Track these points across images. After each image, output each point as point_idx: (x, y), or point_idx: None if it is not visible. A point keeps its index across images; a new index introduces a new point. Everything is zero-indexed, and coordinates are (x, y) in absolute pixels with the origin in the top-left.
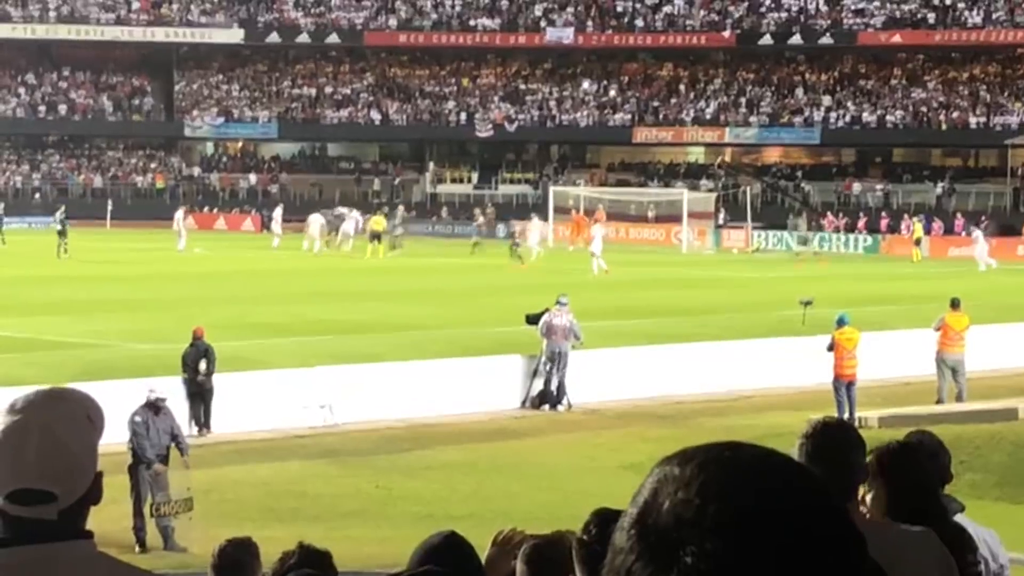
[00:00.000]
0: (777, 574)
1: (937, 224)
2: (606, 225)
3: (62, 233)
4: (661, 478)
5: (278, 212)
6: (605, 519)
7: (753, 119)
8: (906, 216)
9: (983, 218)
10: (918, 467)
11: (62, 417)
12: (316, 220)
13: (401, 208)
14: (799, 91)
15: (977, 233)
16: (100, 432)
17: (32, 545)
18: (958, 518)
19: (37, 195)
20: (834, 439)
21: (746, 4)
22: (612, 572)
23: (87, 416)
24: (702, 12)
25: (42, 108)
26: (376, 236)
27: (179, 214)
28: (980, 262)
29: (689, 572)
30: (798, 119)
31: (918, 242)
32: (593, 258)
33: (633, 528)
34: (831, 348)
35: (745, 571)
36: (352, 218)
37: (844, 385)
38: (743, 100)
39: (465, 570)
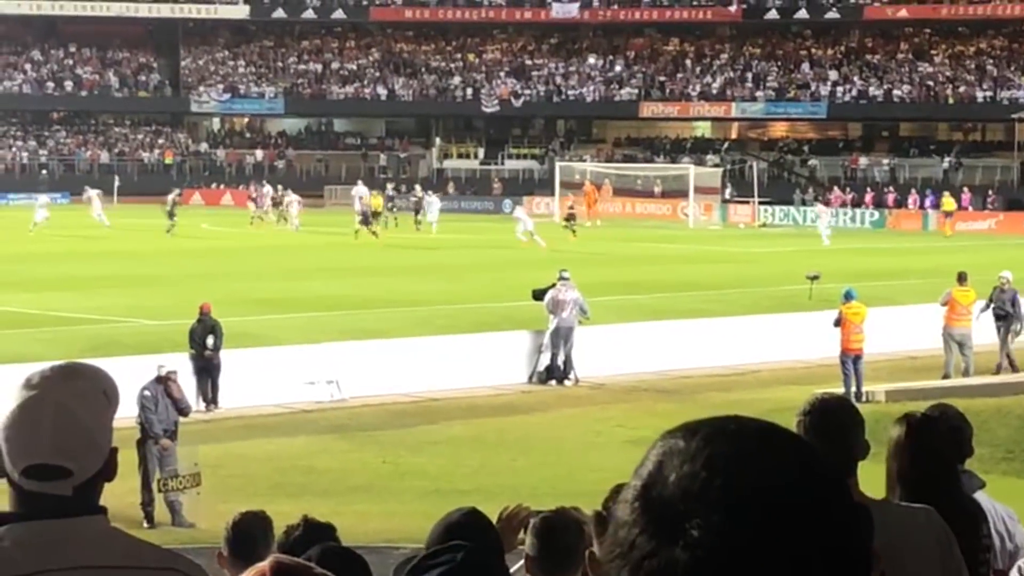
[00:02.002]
0: (783, 548)
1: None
2: (612, 200)
3: (171, 215)
4: (665, 451)
5: (268, 189)
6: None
7: (759, 94)
8: (912, 191)
9: (990, 192)
10: (936, 439)
11: (77, 393)
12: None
13: (390, 186)
14: (805, 66)
15: None
16: (115, 408)
17: (47, 520)
18: (978, 495)
19: (44, 171)
20: (833, 415)
21: None
22: (615, 545)
23: (102, 392)
24: None
25: (49, 84)
26: (375, 214)
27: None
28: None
29: (695, 545)
30: (804, 94)
31: (949, 214)
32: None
33: (637, 501)
34: (838, 323)
35: (751, 545)
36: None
37: (851, 359)
38: (749, 75)
39: (485, 547)
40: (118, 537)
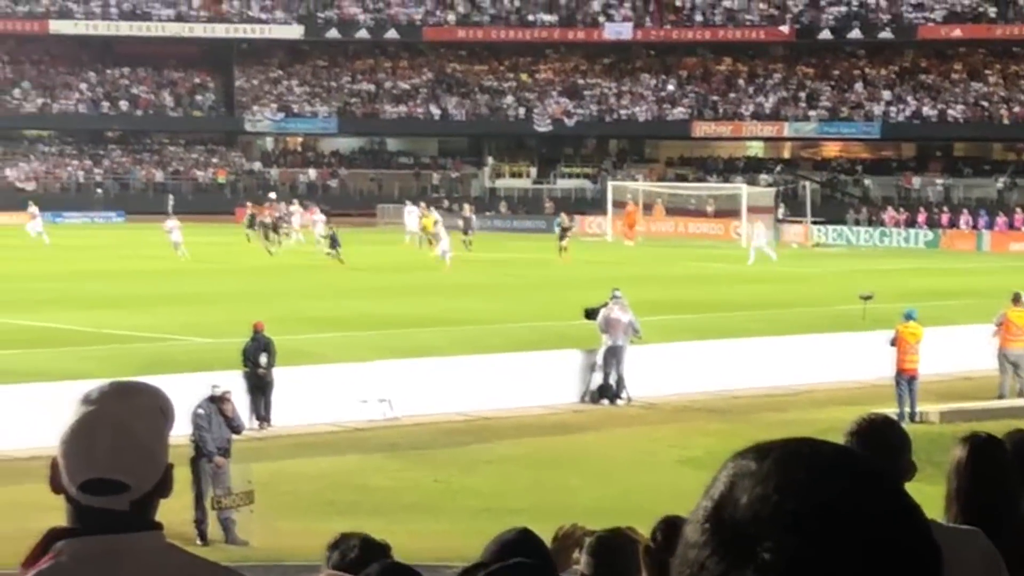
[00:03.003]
0: (855, 573)
1: (1001, 219)
2: (664, 220)
3: (334, 241)
4: (737, 472)
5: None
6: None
7: (812, 113)
8: (965, 211)
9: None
10: (1000, 462)
11: (135, 409)
12: (412, 212)
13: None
14: (859, 85)
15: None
16: (171, 425)
17: (104, 535)
18: None
19: (99, 190)
20: (880, 435)
21: None
22: (684, 566)
23: (159, 408)
24: (761, 6)
25: (104, 104)
26: (431, 235)
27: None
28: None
29: (766, 569)
30: (858, 113)
31: None
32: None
33: (707, 522)
34: (894, 342)
35: (823, 569)
36: (414, 213)
37: (906, 380)
38: (802, 95)
39: (539, 566)
40: (175, 553)
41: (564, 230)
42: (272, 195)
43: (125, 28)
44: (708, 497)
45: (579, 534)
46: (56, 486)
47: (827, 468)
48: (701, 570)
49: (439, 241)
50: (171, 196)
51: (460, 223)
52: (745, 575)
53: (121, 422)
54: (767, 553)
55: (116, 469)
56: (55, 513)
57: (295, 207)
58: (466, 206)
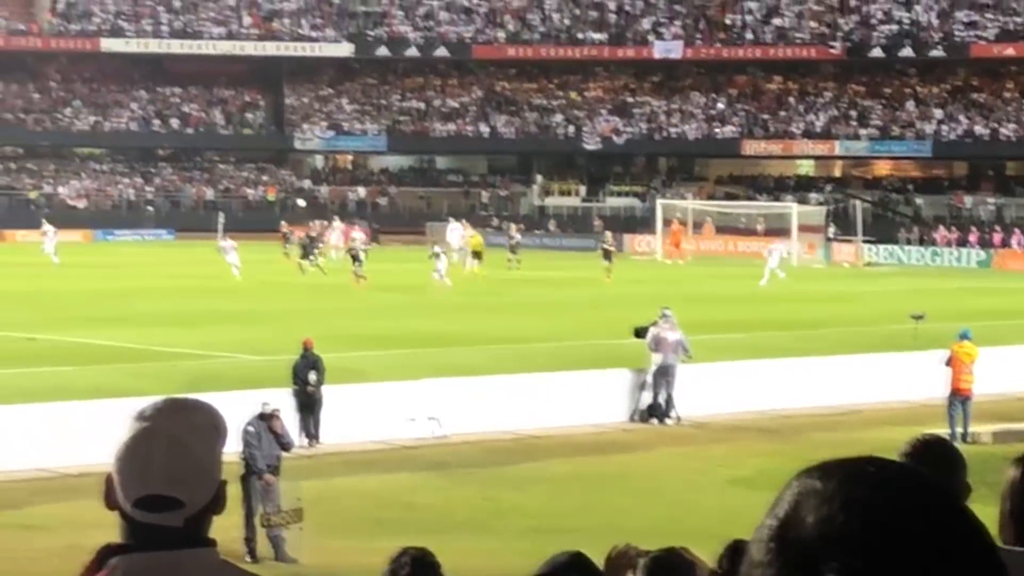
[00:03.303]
0: None
1: None
2: (714, 238)
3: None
4: (802, 491)
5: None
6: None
7: (863, 132)
8: (1016, 231)
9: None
10: None
11: (190, 425)
12: (455, 230)
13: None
14: (910, 104)
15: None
16: (224, 441)
17: (158, 552)
18: None
19: (150, 208)
20: (936, 456)
21: (856, 17)
22: None
23: (213, 425)
24: (812, 24)
25: (155, 122)
26: (476, 254)
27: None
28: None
29: None
30: (909, 132)
31: None
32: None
33: (772, 541)
34: (949, 363)
35: None
36: (457, 229)
37: (960, 400)
38: (853, 113)
39: None
40: (228, 569)
41: (607, 251)
42: (300, 201)
43: (176, 46)
44: (773, 516)
45: (632, 554)
46: (111, 502)
47: (894, 488)
48: None
49: (467, 258)
50: (221, 214)
51: (506, 242)
52: None
53: (176, 438)
54: (833, 573)
55: (171, 485)
56: (108, 530)
57: (336, 223)
58: (512, 225)
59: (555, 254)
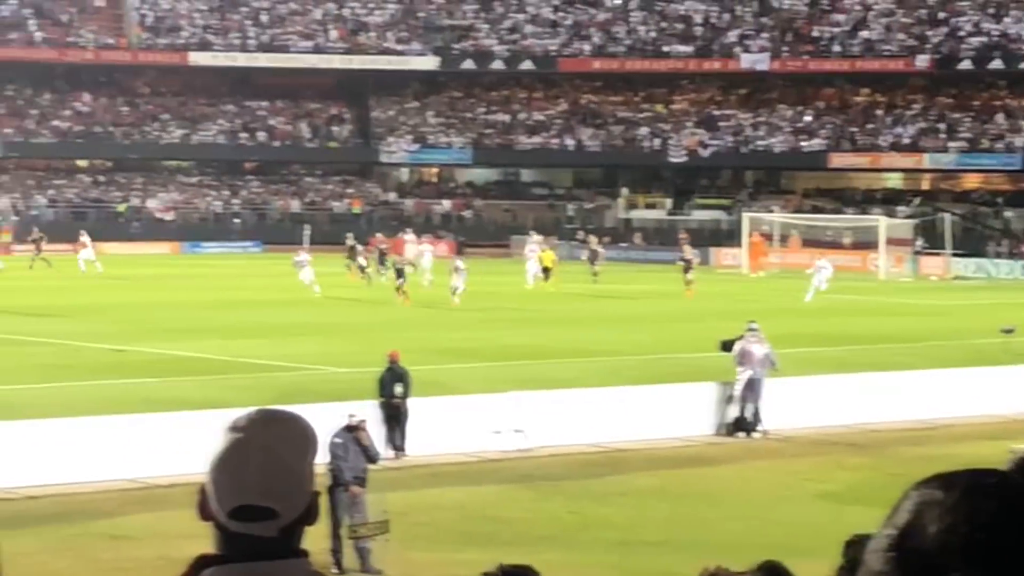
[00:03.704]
0: None
1: None
2: (800, 251)
3: (400, 273)
4: (923, 501)
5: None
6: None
7: (952, 145)
8: None
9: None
10: None
11: (282, 436)
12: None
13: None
14: (999, 116)
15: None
16: (315, 453)
17: (252, 563)
18: None
19: (237, 220)
20: None
21: (945, 29)
22: None
23: (305, 436)
24: (900, 36)
25: (242, 135)
26: (545, 270)
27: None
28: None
29: None
30: (999, 145)
31: None
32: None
33: (892, 551)
34: None
35: None
36: (534, 243)
37: None
38: (942, 126)
39: None
40: None
41: (687, 263)
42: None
43: (263, 60)
44: (892, 526)
45: (724, 575)
46: (204, 513)
47: (1014, 499)
48: None
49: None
50: (307, 226)
51: (586, 255)
52: None
53: (270, 449)
54: None
55: (266, 496)
56: (196, 540)
57: (410, 236)
58: (592, 238)
59: (640, 267)
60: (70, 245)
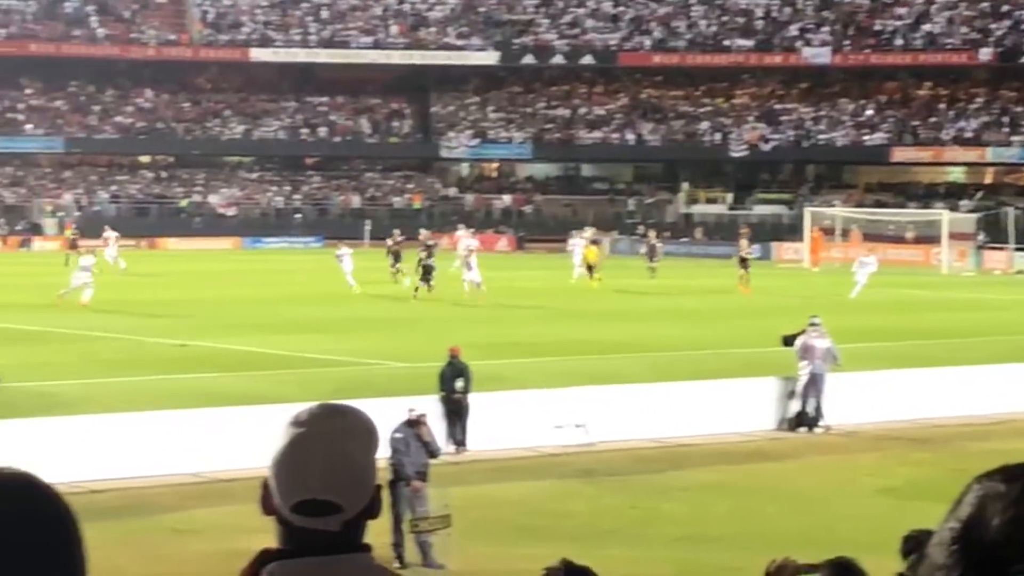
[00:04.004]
0: None
1: None
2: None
3: (427, 271)
4: (986, 494)
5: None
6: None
7: (1015, 138)
8: None
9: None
10: None
11: (345, 430)
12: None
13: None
14: None
15: None
16: (377, 447)
17: (316, 557)
18: None
19: (298, 215)
20: None
21: (1008, 21)
22: None
23: (368, 430)
24: (963, 30)
25: (303, 130)
26: (590, 267)
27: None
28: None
29: None
30: None
31: None
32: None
33: (956, 543)
34: None
35: None
36: (578, 238)
37: None
38: (1005, 119)
39: None
40: (384, 575)
41: (743, 259)
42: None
43: (324, 55)
44: (955, 519)
45: (791, 568)
46: (268, 507)
47: None
48: None
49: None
50: (368, 221)
51: (644, 249)
52: None
53: (334, 443)
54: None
55: (329, 490)
56: (258, 534)
57: (462, 231)
58: (650, 232)
59: (701, 262)
60: (133, 241)
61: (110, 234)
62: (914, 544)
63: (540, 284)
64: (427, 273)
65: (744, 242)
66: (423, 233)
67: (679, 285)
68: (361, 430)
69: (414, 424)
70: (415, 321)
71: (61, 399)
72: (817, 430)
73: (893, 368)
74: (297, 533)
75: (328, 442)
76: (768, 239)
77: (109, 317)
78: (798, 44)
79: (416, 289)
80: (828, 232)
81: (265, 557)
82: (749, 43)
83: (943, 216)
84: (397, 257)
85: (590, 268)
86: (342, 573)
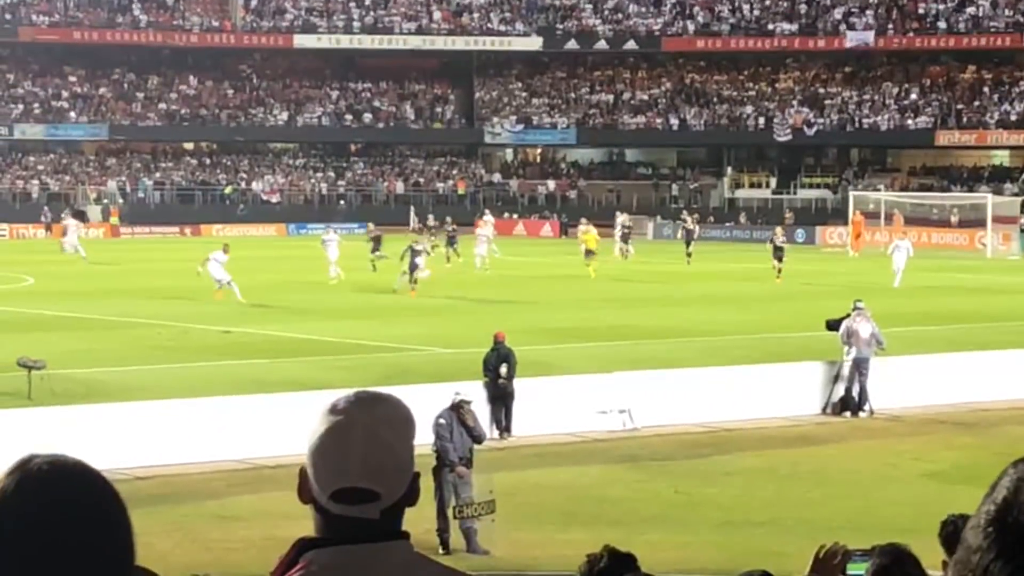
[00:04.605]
0: None
1: None
2: (905, 230)
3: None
4: (1020, 478)
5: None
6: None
7: None
8: None
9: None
10: None
11: (383, 417)
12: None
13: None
14: None
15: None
16: (415, 434)
17: (354, 545)
18: None
19: (342, 202)
20: None
21: None
22: (967, 571)
23: (405, 417)
24: (1007, 12)
25: (347, 116)
26: (589, 252)
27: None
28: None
29: None
30: None
31: None
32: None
33: (991, 526)
34: None
35: None
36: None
37: None
38: None
39: None
40: (424, 563)
41: (778, 248)
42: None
43: (368, 42)
44: (991, 501)
45: (842, 553)
46: (305, 496)
47: None
48: (985, 574)
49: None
50: (412, 207)
51: (681, 234)
52: None
53: (372, 430)
54: None
55: (368, 478)
56: (303, 521)
57: (488, 217)
58: (687, 216)
59: (745, 246)
60: (177, 228)
61: (70, 222)
62: (952, 529)
63: (584, 270)
64: (415, 258)
65: (778, 228)
66: (447, 220)
67: (723, 270)
68: (399, 417)
69: (459, 409)
70: (460, 307)
71: (106, 386)
72: (862, 414)
73: (938, 352)
74: (335, 521)
75: (366, 430)
76: (812, 223)
77: (154, 304)
78: (842, 28)
79: (407, 275)
80: (868, 216)
81: (303, 545)
82: (793, 27)
83: (987, 200)
84: (378, 243)
85: (588, 253)
86: (380, 561)
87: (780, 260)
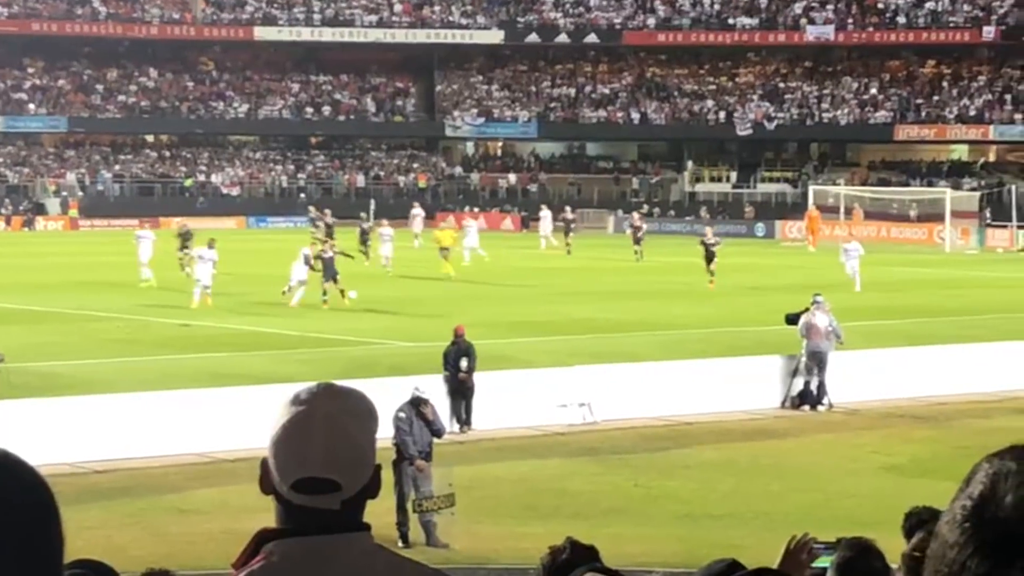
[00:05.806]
0: None
1: None
2: (866, 224)
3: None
4: (998, 472)
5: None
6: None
7: (1018, 116)
8: None
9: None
10: None
11: (345, 408)
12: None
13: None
14: None
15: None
16: (377, 426)
17: (315, 536)
18: None
19: (302, 195)
20: None
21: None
22: (943, 566)
23: (368, 409)
24: (966, 7)
25: (307, 110)
26: (443, 250)
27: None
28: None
29: None
30: None
31: None
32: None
33: (968, 521)
34: None
35: None
36: (547, 218)
37: None
38: (1008, 97)
39: None
40: (384, 554)
41: (709, 247)
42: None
43: (328, 34)
44: (966, 496)
45: (811, 544)
46: (267, 486)
47: None
48: (962, 570)
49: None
50: (372, 201)
51: (628, 231)
52: (1011, 575)
53: (334, 421)
54: None
55: (329, 468)
56: (261, 515)
57: (417, 210)
58: (635, 214)
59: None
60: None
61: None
62: (916, 521)
63: (544, 263)
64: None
65: (708, 229)
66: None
67: (682, 263)
68: (361, 409)
69: (418, 403)
70: (420, 301)
71: (64, 379)
72: (820, 408)
73: (896, 346)
74: (296, 512)
75: (328, 420)
76: (772, 218)
77: (111, 297)
78: (802, 22)
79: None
80: (830, 211)
81: (264, 536)
82: (753, 21)
83: (946, 194)
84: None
85: (443, 251)
86: (340, 552)
87: (711, 262)
